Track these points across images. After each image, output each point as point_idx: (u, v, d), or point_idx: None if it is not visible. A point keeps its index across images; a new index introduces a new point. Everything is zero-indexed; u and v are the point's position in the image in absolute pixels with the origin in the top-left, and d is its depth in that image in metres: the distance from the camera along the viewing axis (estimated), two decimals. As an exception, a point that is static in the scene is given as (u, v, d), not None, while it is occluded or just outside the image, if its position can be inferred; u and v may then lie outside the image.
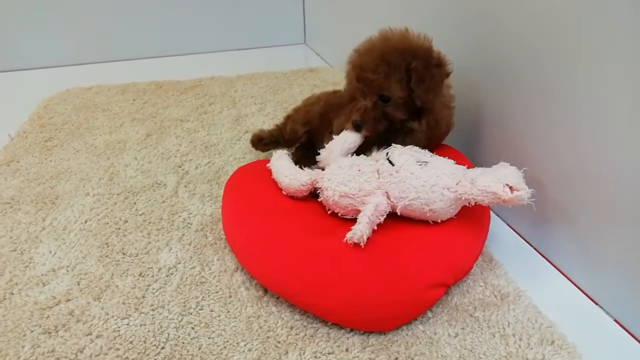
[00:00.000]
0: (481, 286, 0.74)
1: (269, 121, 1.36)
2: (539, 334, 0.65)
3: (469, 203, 0.70)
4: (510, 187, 0.67)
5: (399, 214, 0.72)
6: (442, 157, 0.76)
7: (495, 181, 0.67)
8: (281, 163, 0.85)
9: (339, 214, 0.77)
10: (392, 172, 0.71)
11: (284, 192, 0.84)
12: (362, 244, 0.66)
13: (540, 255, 0.83)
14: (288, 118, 1.11)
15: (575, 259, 0.77)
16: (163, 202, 0.99)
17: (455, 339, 0.65)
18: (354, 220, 0.71)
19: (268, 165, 0.88)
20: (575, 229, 0.77)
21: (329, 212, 0.78)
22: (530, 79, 0.80)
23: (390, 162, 0.73)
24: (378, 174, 0.74)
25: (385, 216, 0.70)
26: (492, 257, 0.80)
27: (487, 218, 0.79)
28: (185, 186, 1.05)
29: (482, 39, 0.93)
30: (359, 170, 0.74)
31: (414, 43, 0.84)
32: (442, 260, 0.69)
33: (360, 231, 0.66)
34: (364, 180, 0.73)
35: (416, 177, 0.70)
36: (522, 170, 0.70)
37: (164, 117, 1.40)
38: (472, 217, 0.75)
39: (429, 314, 0.69)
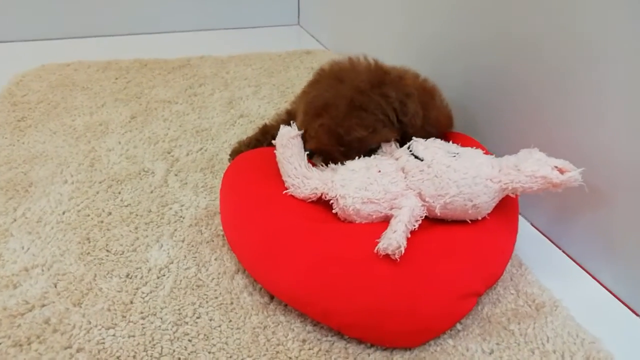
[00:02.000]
0: (512, 294, 0.67)
1: (264, 105, 1.26)
2: (583, 351, 0.58)
3: (513, 193, 0.63)
4: (559, 169, 0.61)
5: (438, 215, 0.63)
6: (468, 147, 0.68)
7: (542, 164, 0.60)
8: (289, 152, 0.70)
9: (356, 221, 0.66)
10: (423, 168, 0.62)
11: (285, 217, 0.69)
12: (397, 256, 0.57)
13: (568, 257, 0.76)
14: (289, 114, 0.95)
15: (604, 260, 0.72)
16: (151, 192, 0.89)
17: (490, 357, 0.58)
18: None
19: (274, 141, 0.73)
20: (605, 227, 0.71)
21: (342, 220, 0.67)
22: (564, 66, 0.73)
23: (416, 157, 0.64)
24: (403, 172, 0.64)
25: (420, 221, 0.61)
26: (521, 260, 0.73)
27: (516, 213, 0.71)
28: (176, 174, 0.95)
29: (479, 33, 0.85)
30: (379, 171, 0.65)
31: (371, 70, 0.74)
32: (474, 265, 0.61)
33: (396, 241, 0.56)
34: (388, 182, 0.63)
35: (454, 170, 0.61)
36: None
37: (149, 98, 1.28)
38: (501, 213, 0.67)
39: (459, 326, 0.62)
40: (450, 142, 0.70)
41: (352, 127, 0.70)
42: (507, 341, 0.60)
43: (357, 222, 0.64)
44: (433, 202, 0.62)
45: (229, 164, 0.96)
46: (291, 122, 0.72)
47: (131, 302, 0.65)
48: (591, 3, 0.67)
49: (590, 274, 0.73)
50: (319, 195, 0.67)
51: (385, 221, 0.62)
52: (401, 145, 0.72)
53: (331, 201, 0.66)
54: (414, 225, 0.60)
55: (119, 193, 0.89)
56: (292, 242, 0.63)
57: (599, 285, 0.71)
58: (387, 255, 0.58)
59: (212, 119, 1.19)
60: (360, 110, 0.70)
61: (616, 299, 0.69)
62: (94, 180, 0.92)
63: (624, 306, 0.68)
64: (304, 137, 0.73)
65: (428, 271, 0.58)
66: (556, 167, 0.61)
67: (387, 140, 0.72)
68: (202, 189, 0.91)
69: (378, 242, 0.57)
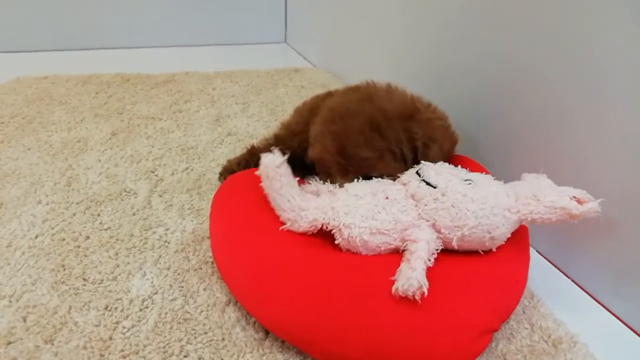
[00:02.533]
0: (527, 329, 0.62)
1: (253, 123, 1.21)
2: (607, 393, 0.54)
3: (530, 223, 0.59)
4: (577, 199, 0.58)
5: (455, 248, 0.58)
6: (477, 172, 0.64)
7: (561, 195, 0.57)
8: (277, 184, 0.61)
9: (362, 253, 0.60)
10: (437, 197, 0.57)
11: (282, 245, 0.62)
12: (418, 297, 0.51)
13: (577, 285, 0.73)
14: (277, 139, 0.91)
15: (614, 289, 0.68)
16: (133, 214, 0.83)
17: (509, 400, 0.53)
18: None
19: (257, 173, 0.64)
20: (612, 255, 0.68)
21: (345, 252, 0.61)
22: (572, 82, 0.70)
23: (427, 183, 0.59)
24: (414, 199, 0.60)
25: (436, 255, 0.56)
26: (532, 291, 0.69)
27: (526, 242, 0.67)
28: (160, 195, 0.89)
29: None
30: (387, 198, 0.59)
31: (407, 101, 0.70)
32: (489, 300, 0.57)
33: (417, 281, 0.50)
34: (398, 210, 0.58)
35: (471, 200, 0.56)
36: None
37: (132, 114, 1.22)
38: (512, 242, 0.63)
39: (473, 365, 0.57)
40: (459, 166, 0.66)
41: (359, 143, 0.65)
42: (525, 382, 0.55)
43: (362, 254, 0.58)
44: (449, 233, 0.57)
45: (219, 183, 0.92)
46: (272, 148, 0.65)
47: (110, 339, 0.58)
48: (593, 22, 0.66)
49: (601, 303, 0.70)
50: (320, 227, 0.60)
51: (393, 253, 0.57)
52: None
53: (333, 231, 0.60)
54: (430, 261, 0.55)
55: (98, 215, 0.82)
56: (290, 273, 0.57)
57: (612, 316, 0.68)
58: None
59: (199, 136, 1.13)
60: (376, 132, 0.66)
61: (630, 330, 0.65)
62: (70, 201, 0.85)
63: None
64: (307, 143, 0.69)
65: (442, 308, 0.53)
66: (574, 197, 0.58)
67: (391, 175, 0.67)
68: (188, 212, 0.85)
69: (394, 281, 0.52)
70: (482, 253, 0.60)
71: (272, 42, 2.05)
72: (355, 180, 0.63)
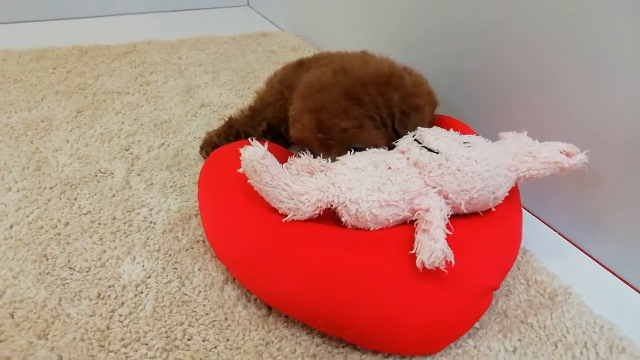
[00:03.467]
0: (523, 284, 0.64)
1: (226, 92, 1.17)
2: (605, 340, 0.56)
3: (526, 180, 0.60)
4: (566, 153, 0.60)
5: (465, 212, 0.58)
6: (471, 135, 0.64)
7: (552, 149, 0.59)
8: (268, 177, 0.56)
9: (371, 229, 0.57)
10: (442, 162, 0.56)
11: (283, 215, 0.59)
12: (443, 267, 0.50)
13: (565, 240, 0.75)
14: (253, 111, 0.88)
15: (592, 235, 0.72)
16: (113, 196, 0.79)
17: (515, 355, 0.54)
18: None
19: (241, 170, 0.57)
20: (588, 202, 0.71)
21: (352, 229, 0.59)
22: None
23: (429, 149, 0.58)
24: (417, 167, 0.58)
25: (447, 221, 0.55)
26: (524, 247, 0.70)
27: (519, 198, 0.68)
28: (139, 175, 0.85)
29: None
30: (390, 168, 0.57)
31: (382, 67, 0.68)
32: (489, 259, 0.57)
33: (442, 251, 0.49)
34: (404, 180, 0.56)
35: (476, 162, 0.56)
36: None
37: (96, 90, 1.16)
38: (506, 199, 0.64)
39: (477, 325, 0.57)
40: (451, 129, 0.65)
41: (337, 114, 0.63)
42: (528, 337, 0.56)
43: (372, 229, 0.57)
44: (457, 198, 0.56)
45: (199, 158, 0.89)
46: (251, 139, 0.58)
47: (108, 328, 0.56)
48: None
49: (583, 251, 0.73)
50: (325, 207, 0.57)
51: (400, 224, 0.57)
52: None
53: (339, 209, 0.57)
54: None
55: (76, 200, 0.78)
56: (292, 248, 0.56)
57: (598, 264, 0.70)
58: (397, 259, 0.53)
59: (171, 110, 1.08)
60: (352, 100, 0.63)
61: (615, 276, 0.68)
62: (43, 186, 0.80)
63: (626, 284, 0.67)
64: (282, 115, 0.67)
65: (444, 273, 0.53)
66: (564, 151, 0.60)
67: (375, 144, 0.65)
68: (171, 190, 0.81)
69: (406, 253, 0.52)
70: (480, 214, 0.60)
71: (234, 5, 1.97)
72: (349, 152, 0.62)
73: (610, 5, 0.62)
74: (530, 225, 0.77)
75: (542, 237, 0.75)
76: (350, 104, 0.63)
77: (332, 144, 0.65)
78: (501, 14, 0.79)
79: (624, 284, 0.67)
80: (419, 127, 0.63)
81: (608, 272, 0.69)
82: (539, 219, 0.79)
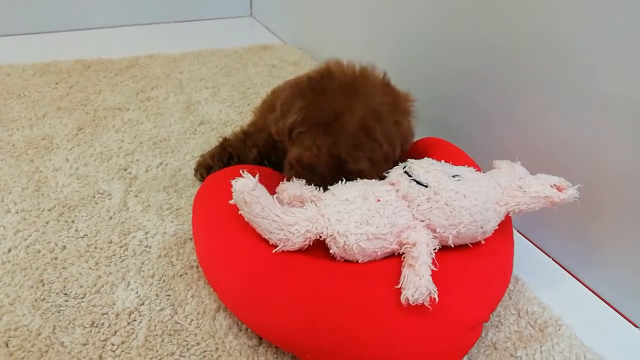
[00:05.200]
0: (514, 314, 0.64)
1: (226, 109, 1.18)
2: (593, 375, 0.56)
3: (516, 214, 0.60)
4: (557, 187, 0.60)
5: (451, 245, 0.58)
6: (462, 166, 0.64)
7: (543, 184, 0.59)
8: (258, 208, 0.56)
9: (359, 261, 0.58)
10: (430, 196, 0.57)
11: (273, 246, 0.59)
12: (427, 303, 0.50)
13: (559, 266, 0.75)
14: (245, 134, 0.88)
15: (586, 262, 0.72)
16: (110, 218, 0.80)
17: (502, 390, 0.55)
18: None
19: (232, 202, 0.58)
20: (583, 229, 0.71)
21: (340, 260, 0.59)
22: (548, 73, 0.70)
23: (418, 182, 0.59)
24: (406, 200, 0.59)
25: (434, 255, 0.56)
26: (516, 275, 0.70)
27: (510, 229, 0.68)
28: (136, 196, 0.86)
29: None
30: (378, 201, 0.58)
31: (387, 88, 0.67)
32: (478, 292, 0.58)
33: (426, 288, 0.50)
34: (392, 213, 0.57)
35: (464, 196, 0.56)
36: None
37: (97, 106, 1.17)
38: (497, 230, 0.64)
39: (465, 358, 0.58)
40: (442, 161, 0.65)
41: (360, 158, 0.63)
42: (516, 370, 0.57)
43: (360, 261, 0.58)
44: (444, 232, 0.57)
45: (195, 179, 0.90)
46: (242, 170, 0.58)
47: (100, 358, 0.57)
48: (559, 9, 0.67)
49: (575, 277, 0.73)
50: (314, 238, 0.57)
51: (388, 256, 0.57)
52: None
53: (327, 240, 0.58)
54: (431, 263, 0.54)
55: (73, 222, 0.79)
56: (283, 281, 0.56)
57: (592, 293, 0.70)
58: (388, 292, 0.53)
59: (170, 127, 1.09)
60: (370, 138, 0.63)
61: (608, 306, 0.69)
62: (42, 208, 0.81)
63: (619, 314, 0.67)
64: (284, 142, 0.67)
65: (433, 306, 0.53)
66: (554, 184, 0.60)
67: (379, 177, 0.65)
68: (167, 212, 0.82)
69: (391, 287, 0.52)
70: (470, 245, 0.61)
71: (237, 16, 1.98)
72: (340, 182, 0.62)
73: (606, 35, 0.62)
74: (524, 251, 0.78)
75: (535, 264, 0.76)
76: (371, 145, 0.63)
77: (334, 178, 0.64)
78: (501, 42, 0.79)
79: (617, 314, 0.67)
80: (409, 159, 0.63)
81: (602, 301, 0.69)
82: (533, 243, 0.80)
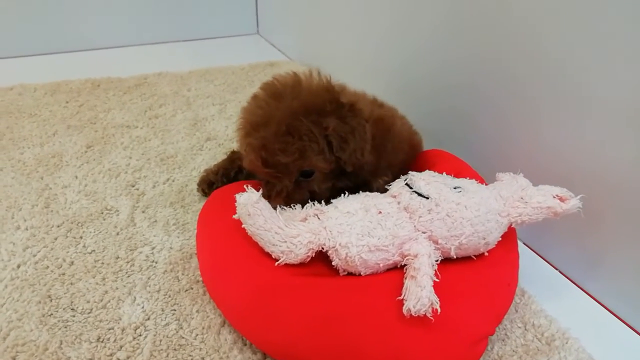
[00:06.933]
0: (520, 327, 0.64)
1: (231, 125, 1.19)
2: (601, 389, 0.55)
3: (518, 225, 0.60)
4: (559, 197, 0.60)
5: (453, 257, 0.58)
6: (463, 178, 0.65)
7: (545, 194, 0.59)
8: (261, 220, 0.58)
9: (361, 273, 0.58)
10: (431, 207, 0.57)
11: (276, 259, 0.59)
12: (430, 314, 0.51)
13: (565, 277, 0.74)
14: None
15: (599, 277, 0.71)
16: (117, 234, 0.81)
17: (508, 404, 0.54)
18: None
19: (236, 216, 0.60)
20: (594, 242, 0.71)
21: (343, 273, 0.60)
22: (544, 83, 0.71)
23: (419, 194, 0.59)
24: (407, 212, 0.59)
25: (436, 267, 0.56)
26: (523, 288, 0.70)
27: (515, 240, 0.68)
28: (143, 211, 0.87)
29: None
30: (380, 213, 0.58)
31: (317, 92, 0.68)
32: (483, 305, 0.57)
33: (427, 299, 0.50)
34: (393, 225, 0.57)
35: (465, 207, 0.56)
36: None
37: (106, 123, 1.19)
38: (501, 242, 0.64)
39: (471, 371, 0.58)
40: (444, 173, 0.66)
41: (275, 151, 0.64)
42: (522, 385, 0.56)
43: (362, 273, 0.58)
44: (446, 243, 0.57)
45: (200, 195, 0.90)
46: (246, 186, 0.61)
47: (106, 373, 0.58)
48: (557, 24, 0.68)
49: (582, 288, 0.73)
50: (316, 249, 0.58)
51: (390, 269, 0.57)
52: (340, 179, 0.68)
53: (329, 252, 0.59)
54: (434, 275, 0.54)
55: (81, 238, 0.80)
56: (285, 298, 0.56)
57: (598, 304, 0.70)
58: (392, 307, 0.53)
59: (177, 143, 1.11)
60: (288, 135, 0.64)
61: (615, 317, 0.68)
62: (50, 224, 0.83)
63: (627, 326, 0.66)
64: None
65: (437, 319, 0.53)
66: (557, 195, 0.60)
67: (321, 169, 0.66)
68: (173, 227, 0.83)
69: (395, 299, 0.52)
70: (473, 258, 0.61)
71: (244, 34, 2.01)
72: (343, 195, 0.63)
73: (602, 50, 0.63)
74: (530, 262, 0.77)
75: (541, 275, 0.75)
76: (286, 139, 0.64)
77: (281, 175, 0.67)
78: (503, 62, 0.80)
79: (625, 326, 0.67)
80: (410, 172, 0.64)
81: (609, 313, 0.69)
82: (537, 254, 0.79)
